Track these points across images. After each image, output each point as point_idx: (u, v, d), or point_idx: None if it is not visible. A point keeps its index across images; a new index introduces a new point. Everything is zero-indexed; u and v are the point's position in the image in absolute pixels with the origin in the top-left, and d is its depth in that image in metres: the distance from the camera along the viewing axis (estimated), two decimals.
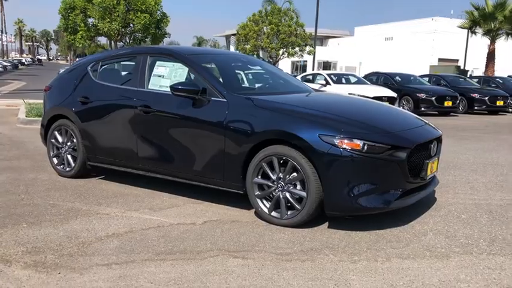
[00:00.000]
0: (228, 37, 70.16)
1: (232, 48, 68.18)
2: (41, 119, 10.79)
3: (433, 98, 15.52)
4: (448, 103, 15.69)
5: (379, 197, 3.76)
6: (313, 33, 22.99)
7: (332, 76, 15.98)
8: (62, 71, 7.68)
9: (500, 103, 17.20)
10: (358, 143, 3.67)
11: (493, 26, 25.37)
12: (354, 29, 58.43)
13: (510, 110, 18.39)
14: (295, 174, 3.89)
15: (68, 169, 5.51)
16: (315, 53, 23.60)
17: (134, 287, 2.88)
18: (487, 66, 26.09)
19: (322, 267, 3.19)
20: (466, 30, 41.67)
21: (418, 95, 15.74)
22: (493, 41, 26.15)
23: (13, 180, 5.41)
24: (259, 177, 4.07)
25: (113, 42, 20.22)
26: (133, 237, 3.70)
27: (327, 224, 4.03)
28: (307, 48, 23.10)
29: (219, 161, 4.27)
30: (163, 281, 2.96)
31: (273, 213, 4.02)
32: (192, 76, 4.68)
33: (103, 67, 5.40)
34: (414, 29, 49.24)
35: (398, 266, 3.20)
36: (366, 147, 3.66)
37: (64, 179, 5.46)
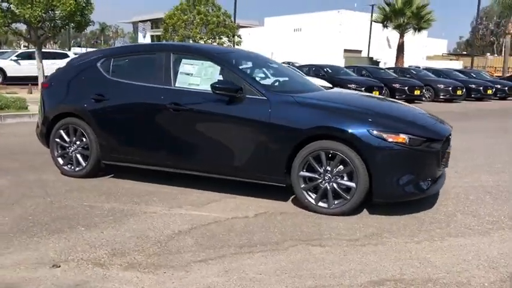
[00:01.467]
0: (135, 24, 68.02)
1: (140, 36, 66.26)
2: None
3: (363, 89, 16.64)
4: (375, 93, 16.90)
5: (419, 184, 4.24)
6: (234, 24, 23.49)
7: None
8: None
9: (417, 92, 18.88)
10: (404, 136, 4.10)
11: (402, 21, 27.55)
12: (264, 19, 59.66)
13: (423, 98, 20.22)
14: (341, 167, 4.23)
15: (77, 169, 5.35)
16: (235, 42, 23.98)
17: (248, 279, 3.06)
18: (397, 57, 28.34)
19: (396, 249, 3.59)
20: (368, 23, 44.80)
21: (349, 85, 16.76)
22: (402, 35, 28.40)
23: (18, 183, 5.14)
24: (305, 170, 4.36)
25: (32, 30, 18.88)
26: (202, 233, 3.82)
27: (364, 211, 4.41)
28: (236, 38, 23.45)
29: (262, 156, 4.48)
30: (270, 272, 3.16)
31: (320, 204, 4.33)
32: (224, 75, 4.80)
33: (116, 64, 5.30)
34: (322, 20, 51.58)
35: (456, 243, 3.70)
36: (409, 140, 4.11)
37: (76, 180, 5.29)
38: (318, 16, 52.64)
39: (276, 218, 4.24)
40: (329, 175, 4.28)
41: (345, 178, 4.25)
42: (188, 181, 5.10)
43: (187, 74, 4.91)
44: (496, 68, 48.94)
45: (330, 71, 18.35)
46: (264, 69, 5.52)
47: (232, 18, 23.85)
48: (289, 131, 4.35)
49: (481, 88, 21.95)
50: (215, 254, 3.44)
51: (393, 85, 18.65)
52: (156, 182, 5.22)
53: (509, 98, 23.53)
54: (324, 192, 4.31)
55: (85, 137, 5.26)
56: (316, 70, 18.52)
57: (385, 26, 29.29)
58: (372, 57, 36.62)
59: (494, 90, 22.34)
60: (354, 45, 49.39)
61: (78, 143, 5.32)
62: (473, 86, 21.86)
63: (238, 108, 4.55)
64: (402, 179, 4.14)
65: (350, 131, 4.14)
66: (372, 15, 46.61)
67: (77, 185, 5.11)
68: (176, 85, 4.88)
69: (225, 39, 22.80)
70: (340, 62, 35.98)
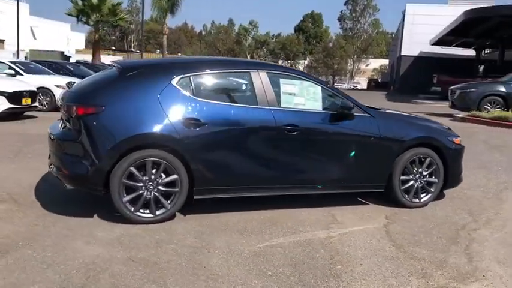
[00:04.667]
0: None
1: None
2: None
3: None
4: None
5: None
6: None
7: (18, 65, 13.85)
8: None
9: None
10: (459, 139, 5.56)
11: (99, 16, 27.01)
12: None
13: None
14: (426, 167, 5.29)
15: (159, 212, 4.33)
16: None
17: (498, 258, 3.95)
18: (93, 54, 27.78)
19: (504, 218, 5.06)
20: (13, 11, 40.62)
21: None
22: (97, 30, 27.90)
23: (117, 244, 3.83)
24: (402, 174, 5.20)
25: None
26: (406, 241, 4.25)
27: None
28: None
29: (372, 166, 5.05)
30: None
31: (413, 200, 5.28)
32: (326, 95, 4.99)
33: (197, 82, 4.52)
34: None
35: None
36: (460, 141, 5.58)
37: (167, 225, 4.28)
38: None
39: (403, 217, 4.95)
40: (418, 175, 5.27)
41: (427, 176, 5.34)
42: (252, 204, 4.97)
43: (290, 94, 4.81)
44: None
45: (72, 68, 16.84)
46: None
47: None
48: (396, 142, 5.09)
49: None
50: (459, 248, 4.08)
51: None
52: (240, 210, 4.84)
53: None
54: (415, 190, 5.27)
55: (170, 172, 4.31)
56: (58, 67, 16.60)
57: (80, 20, 27.97)
58: (63, 52, 34.07)
59: None
60: None
61: (158, 180, 4.30)
62: None
63: (351, 125, 4.93)
64: (461, 169, 5.61)
65: (440, 139, 5.30)
66: (18, 4, 42.51)
67: (186, 230, 4.22)
68: (282, 106, 4.73)
69: None
70: None
